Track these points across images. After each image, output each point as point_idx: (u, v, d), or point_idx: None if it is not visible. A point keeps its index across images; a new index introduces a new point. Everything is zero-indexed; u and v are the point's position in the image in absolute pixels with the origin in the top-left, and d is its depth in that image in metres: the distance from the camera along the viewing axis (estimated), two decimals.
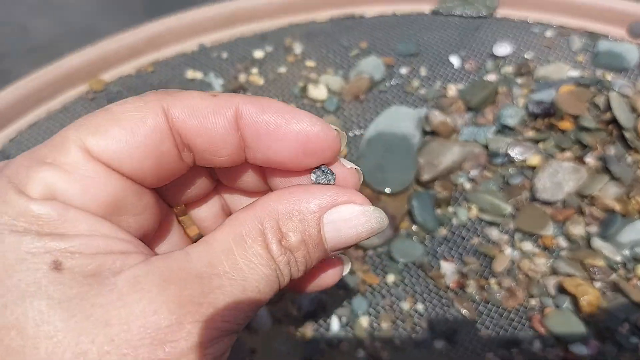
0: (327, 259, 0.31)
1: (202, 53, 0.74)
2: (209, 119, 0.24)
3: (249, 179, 0.30)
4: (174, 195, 0.29)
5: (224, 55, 0.74)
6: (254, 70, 0.72)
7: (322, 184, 0.26)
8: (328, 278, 0.32)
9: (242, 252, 0.23)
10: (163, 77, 0.71)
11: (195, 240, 0.32)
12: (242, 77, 0.71)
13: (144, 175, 0.24)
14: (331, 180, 0.27)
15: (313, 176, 0.27)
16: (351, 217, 0.25)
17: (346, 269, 0.33)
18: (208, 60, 0.73)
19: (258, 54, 0.74)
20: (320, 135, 0.25)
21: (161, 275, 0.21)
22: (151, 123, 0.23)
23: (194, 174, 0.29)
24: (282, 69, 0.73)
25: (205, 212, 0.32)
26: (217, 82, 0.70)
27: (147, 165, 0.23)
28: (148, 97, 0.24)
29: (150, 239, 0.27)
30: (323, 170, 0.26)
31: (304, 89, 0.71)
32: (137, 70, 0.72)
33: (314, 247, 0.25)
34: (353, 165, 0.28)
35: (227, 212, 0.32)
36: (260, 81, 0.71)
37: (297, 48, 0.75)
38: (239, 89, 0.69)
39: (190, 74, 0.71)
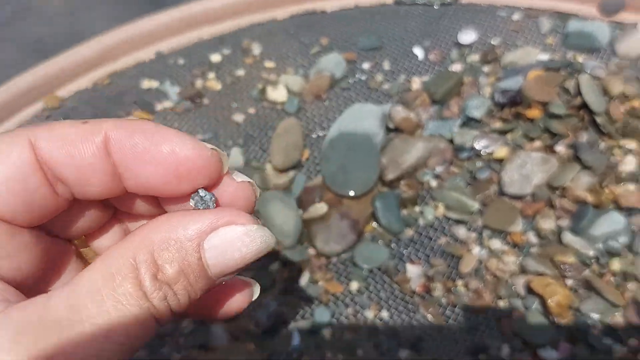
0: (233, 284, 0.29)
1: (158, 61, 0.72)
2: (76, 147, 0.23)
3: (144, 205, 0.28)
4: (66, 229, 0.27)
5: (181, 61, 0.72)
6: (211, 75, 0.70)
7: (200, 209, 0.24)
8: (235, 304, 0.30)
9: (109, 292, 0.21)
10: (119, 89, 0.69)
11: None
12: (198, 83, 0.69)
13: (14, 214, 0.22)
14: (210, 205, 0.25)
15: (192, 202, 0.25)
16: (234, 239, 0.23)
17: (255, 293, 0.31)
18: (164, 68, 0.71)
19: (215, 57, 0.72)
20: (192, 156, 0.23)
21: (16, 326, 0.19)
22: (15, 157, 0.21)
23: (84, 206, 0.27)
24: (240, 72, 0.70)
25: (108, 241, 0.30)
26: (173, 90, 0.68)
27: (16, 203, 0.22)
28: (16, 131, 0.23)
29: (38, 280, 0.25)
30: (201, 196, 0.24)
31: (263, 91, 0.68)
32: (93, 83, 0.70)
33: (196, 276, 0.23)
34: (245, 178, 0.26)
35: None
36: (217, 86, 0.69)
37: (256, 49, 0.73)
38: (196, 95, 0.67)
39: (146, 83, 0.70)
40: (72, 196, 0.24)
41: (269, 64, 0.71)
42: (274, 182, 0.62)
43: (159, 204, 0.28)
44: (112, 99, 0.68)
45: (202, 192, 0.25)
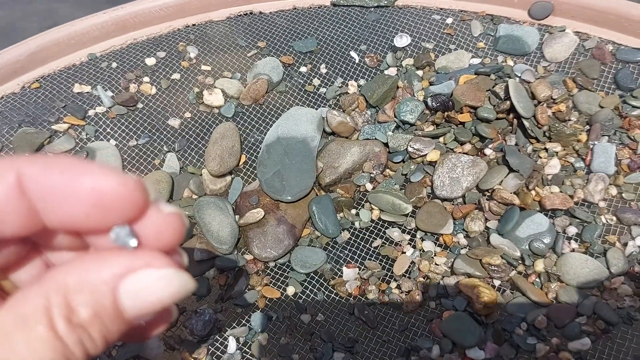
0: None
1: (91, 64, 0.70)
2: None
3: (65, 238, 0.27)
4: None
5: (114, 64, 0.70)
6: (145, 79, 0.69)
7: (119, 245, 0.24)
8: (154, 328, 0.30)
9: (22, 336, 0.21)
10: (49, 93, 0.67)
11: None
12: (132, 88, 0.68)
13: None
14: (128, 242, 0.24)
15: (112, 235, 0.24)
16: (149, 284, 0.23)
17: (174, 315, 0.31)
18: (97, 71, 0.69)
19: (150, 61, 0.70)
20: (115, 189, 0.22)
21: None
22: None
23: None
24: (176, 76, 0.69)
25: (27, 274, 0.29)
26: (106, 95, 0.66)
27: None
28: None
29: None
30: (121, 230, 0.24)
31: (200, 95, 0.67)
32: (21, 87, 0.68)
33: (111, 319, 0.23)
34: (173, 210, 0.25)
35: None
36: (152, 90, 0.68)
37: (192, 52, 0.71)
38: (130, 100, 0.66)
39: (78, 87, 0.67)
40: None
41: (206, 67, 0.70)
42: (210, 188, 0.62)
43: (80, 236, 0.27)
44: (42, 104, 0.66)
45: (123, 226, 0.24)
